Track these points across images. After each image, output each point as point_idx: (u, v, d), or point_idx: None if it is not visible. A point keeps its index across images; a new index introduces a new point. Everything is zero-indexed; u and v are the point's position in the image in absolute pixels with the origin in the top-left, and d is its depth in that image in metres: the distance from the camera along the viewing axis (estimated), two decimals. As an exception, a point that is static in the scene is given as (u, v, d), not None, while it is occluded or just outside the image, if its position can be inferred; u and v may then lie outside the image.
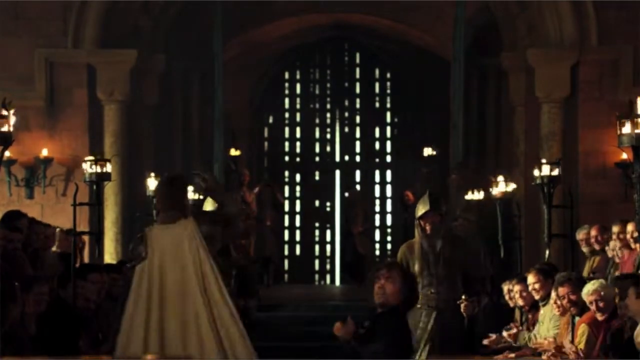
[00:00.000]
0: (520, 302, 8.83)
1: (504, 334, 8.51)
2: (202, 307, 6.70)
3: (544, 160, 10.23)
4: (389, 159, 19.63)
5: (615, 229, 9.51)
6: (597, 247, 10.09)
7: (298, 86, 19.63)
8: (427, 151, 17.59)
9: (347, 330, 6.37)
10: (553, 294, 8.09)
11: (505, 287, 9.33)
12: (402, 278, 6.45)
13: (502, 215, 12.72)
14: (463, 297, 8.47)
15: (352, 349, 6.36)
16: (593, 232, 10.15)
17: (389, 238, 19.52)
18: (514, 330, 8.51)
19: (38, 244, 9.95)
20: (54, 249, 10.53)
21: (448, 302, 8.56)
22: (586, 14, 13.77)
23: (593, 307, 7.36)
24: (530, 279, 8.57)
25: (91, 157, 9.96)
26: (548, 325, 8.35)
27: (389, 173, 19.61)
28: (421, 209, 8.66)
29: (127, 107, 14.23)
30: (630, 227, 9.10)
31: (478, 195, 13.57)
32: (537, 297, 8.56)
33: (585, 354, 7.30)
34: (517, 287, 8.83)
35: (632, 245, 9.08)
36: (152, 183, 12.26)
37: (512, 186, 12.83)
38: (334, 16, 17.87)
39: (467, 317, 8.46)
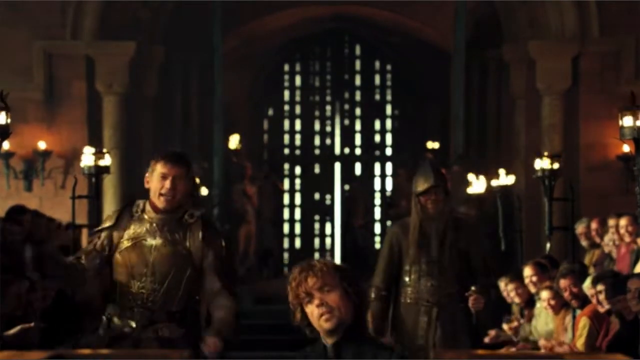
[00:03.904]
0: (517, 300, 8.79)
1: (504, 326, 8.48)
2: None
3: (545, 153, 10.19)
4: (389, 151, 19.58)
5: (611, 222, 9.48)
6: (597, 240, 10.05)
7: (298, 78, 19.57)
8: (430, 145, 17.51)
9: None
10: (544, 294, 8.09)
11: (502, 283, 9.31)
12: (340, 276, 4.04)
13: (502, 208, 12.70)
14: (473, 288, 7.09)
15: None
16: (594, 225, 10.12)
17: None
18: (515, 324, 8.47)
19: (40, 237, 9.96)
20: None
21: (451, 296, 7.19)
22: (587, 5, 13.72)
23: (594, 301, 7.34)
24: (527, 271, 8.54)
25: (91, 149, 9.90)
26: (546, 319, 8.32)
27: (389, 166, 19.56)
28: (423, 184, 7.21)
29: (126, 99, 14.18)
30: (623, 221, 9.08)
31: (479, 188, 13.55)
32: (533, 289, 8.53)
33: (587, 347, 7.27)
34: (510, 286, 8.77)
35: (627, 240, 9.05)
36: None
37: (511, 178, 12.82)
38: (334, 8, 17.81)
39: (475, 312, 7.15)
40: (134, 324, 5.76)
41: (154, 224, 5.83)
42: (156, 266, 5.77)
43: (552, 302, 8.08)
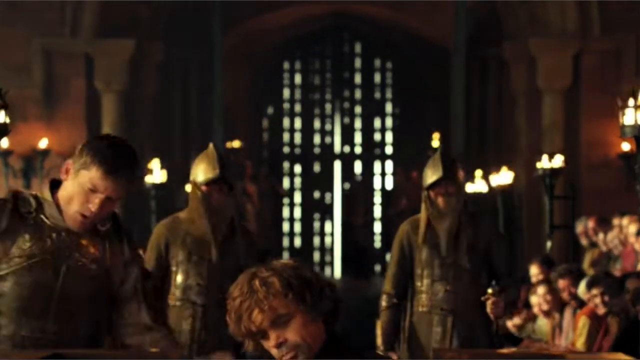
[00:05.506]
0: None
1: (508, 323, 8.45)
2: None
3: (545, 151, 10.17)
4: (389, 150, 19.55)
5: (616, 221, 9.46)
6: (595, 239, 10.03)
7: (298, 76, 19.54)
8: (434, 142, 17.42)
9: None
10: (533, 299, 8.07)
11: None
12: (293, 295, 2.98)
13: (503, 207, 12.67)
14: (489, 291, 6.12)
15: None
16: (590, 224, 10.09)
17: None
18: (519, 321, 8.45)
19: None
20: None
21: (468, 303, 6.34)
22: (588, 3, 13.69)
23: (592, 304, 7.31)
24: (534, 270, 8.53)
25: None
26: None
27: (389, 164, 19.53)
28: (431, 176, 6.40)
29: (125, 97, 14.16)
30: (626, 220, 9.06)
31: (479, 187, 13.52)
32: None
33: (587, 346, 7.24)
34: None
35: (630, 240, 9.03)
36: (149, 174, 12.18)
37: (511, 175, 12.79)
38: (334, 6, 17.79)
39: (495, 318, 6.20)
40: None
41: (63, 234, 3.90)
42: (66, 296, 3.89)
43: (544, 307, 8.08)
